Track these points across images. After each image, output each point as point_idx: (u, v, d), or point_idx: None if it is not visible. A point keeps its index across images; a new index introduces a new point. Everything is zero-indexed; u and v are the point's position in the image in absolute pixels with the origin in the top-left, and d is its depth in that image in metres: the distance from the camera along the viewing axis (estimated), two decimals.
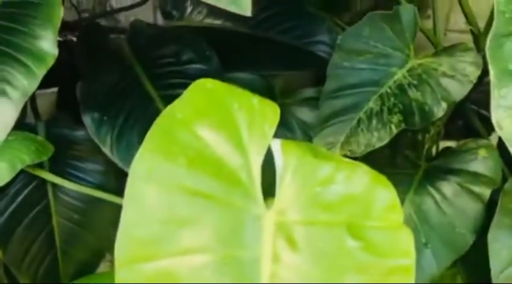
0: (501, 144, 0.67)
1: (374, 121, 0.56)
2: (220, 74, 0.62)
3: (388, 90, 0.58)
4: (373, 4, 0.94)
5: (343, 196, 0.35)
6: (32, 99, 0.72)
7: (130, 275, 0.36)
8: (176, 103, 0.42)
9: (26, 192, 0.69)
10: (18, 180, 0.68)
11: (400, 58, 0.59)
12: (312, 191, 0.36)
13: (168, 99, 0.63)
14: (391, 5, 0.66)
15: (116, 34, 0.78)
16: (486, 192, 0.58)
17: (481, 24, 0.75)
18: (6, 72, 0.47)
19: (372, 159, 0.50)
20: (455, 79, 0.56)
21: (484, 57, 0.60)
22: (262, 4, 0.76)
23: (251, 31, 0.73)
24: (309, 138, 0.66)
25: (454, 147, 0.62)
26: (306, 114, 0.70)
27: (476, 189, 0.58)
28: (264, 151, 0.37)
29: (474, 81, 0.56)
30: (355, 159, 0.54)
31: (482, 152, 0.59)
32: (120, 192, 0.68)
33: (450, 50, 0.58)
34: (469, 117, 0.75)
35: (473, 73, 0.55)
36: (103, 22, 1.06)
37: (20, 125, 0.61)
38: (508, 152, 0.62)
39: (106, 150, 0.60)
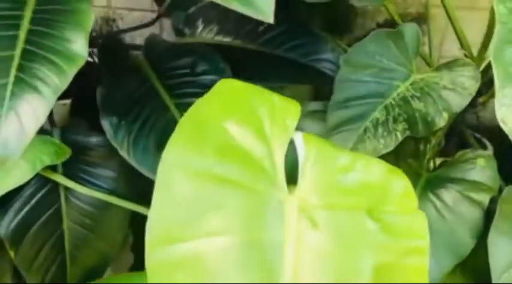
0: (496, 156, 0.71)
1: (380, 130, 0.60)
2: None
3: (393, 102, 0.61)
4: (373, 28, 1.00)
5: (362, 183, 0.38)
6: None
7: (161, 256, 0.38)
8: (203, 99, 0.45)
9: (39, 194, 0.70)
10: (33, 183, 0.70)
11: (403, 72, 0.64)
12: (333, 178, 0.38)
13: (183, 107, 0.68)
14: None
15: (131, 50, 0.82)
16: (485, 199, 0.61)
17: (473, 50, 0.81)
18: (39, 70, 0.49)
19: None
20: (455, 92, 0.60)
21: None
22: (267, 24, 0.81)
23: (260, 48, 0.77)
24: None
25: (454, 157, 0.65)
26: (311, 126, 0.73)
27: (476, 196, 0.61)
28: (286, 143, 0.40)
29: (473, 94, 0.60)
30: None
31: (480, 162, 0.63)
32: (129, 198, 0.71)
33: (450, 65, 0.62)
34: (464, 135, 0.79)
35: (472, 86, 0.59)
36: None
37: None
38: (504, 163, 0.66)
39: (123, 153, 0.62)
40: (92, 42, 0.64)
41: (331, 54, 0.78)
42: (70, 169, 0.71)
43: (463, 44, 0.75)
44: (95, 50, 0.84)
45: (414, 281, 0.36)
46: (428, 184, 0.65)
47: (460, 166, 0.64)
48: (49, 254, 0.72)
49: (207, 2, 0.87)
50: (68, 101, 0.86)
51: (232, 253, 0.38)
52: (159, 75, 0.70)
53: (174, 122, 0.68)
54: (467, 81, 0.60)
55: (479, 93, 0.66)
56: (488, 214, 0.64)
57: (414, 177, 0.66)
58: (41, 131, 0.73)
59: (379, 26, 1.06)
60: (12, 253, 0.67)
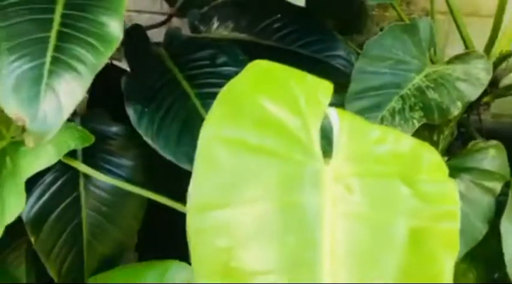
0: None
1: (397, 118, 0.62)
2: None
3: (408, 92, 0.64)
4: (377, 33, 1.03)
5: (394, 153, 0.40)
6: None
7: (201, 221, 0.40)
8: (237, 77, 0.46)
9: (60, 182, 0.71)
10: (54, 170, 0.71)
11: (417, 65, 0.66)
12: (366, 149, 0.40)
13: (203, 96, 0.70)
14: None
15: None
16: (497, 187, 0.63)
17: None
18: (75, 50, 0.51)
19: None
20: (468, 83, 0.63)
21: None
22: (286, 20, 0.83)
23: (275, 44, 0.80)
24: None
25: (466, 148, 0.68)
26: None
27: (488, 184, 0.64)
28: (320, 117, 0.42)
29: (485, 85, 0.62)
30: None
31: (491, 152, 0.65)
32: (147, 187, 0.72)
33: (463, 57, 0.65)
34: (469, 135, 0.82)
35: (485, 78, 0.62)
36: None
37: None
38: None
39: (147, 139, 0.64)
40: None
41: (344, 51, 0.81)
42: (89, 157, 0.72)
43: (469, 48, 0.78)
44: None
45: (446, 245, 0.38)
46: None
47: (472, 156, 0.66)
48: (67, 242, 0.72)
49: (221, 0, 0.90)
50: None
51: (270, 218, 0.40)
52: (180, 66, 0.71)
53: (195, 110, 0.70)
54: (480, 72, 0.63)
55: (482, 93, 0.70)
56: (499, 203, 0.67)
57: None
58: None
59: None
60: (33, 240, 0.68)
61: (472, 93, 0.62)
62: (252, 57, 0.75)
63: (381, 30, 1.11)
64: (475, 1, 1.03)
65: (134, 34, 0.72)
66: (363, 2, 0.93)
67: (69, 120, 0.74)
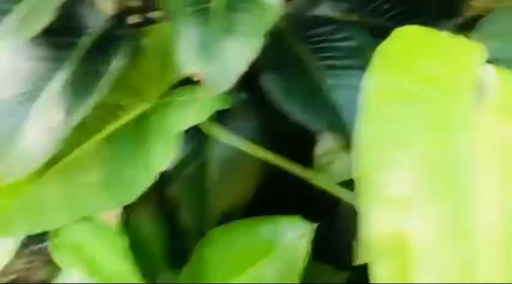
0: None
1: None
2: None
3: None
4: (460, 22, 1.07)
5: None
6: None
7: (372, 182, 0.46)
8: (389, 40, 0.53)
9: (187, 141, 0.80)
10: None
11: None
12: None
13: (325, 68, 0.76)
14: None
15: None
16: None
17: None
18: (242, 17, 0.59)
19: None
20: None
21: None
22: (391, 3, 0.90)
23: (385, 23, 0.86)
24: None
25: None
26: None
27: None
28: (475, 70, 0.48)
29: None
30: None
31: None
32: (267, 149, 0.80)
33: None
34: None
35: None
36: None
37: None
38: None
39: (277, 103, 0.71)
40: None
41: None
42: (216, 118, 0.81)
43: None
44: None
45: None
46: None
47: None
48: (192, 201, 0.82)
49: None
50: None
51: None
52: (300, 41, 0.79)
53: (316, 82, 0.77)
54: None
55: None
56: None
57: None
58: None
59: (465, 20, 1.14)
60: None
61: None
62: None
63: (464, 20, 1.16)
64: None
65: None
66: None
67: None
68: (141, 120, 0.74)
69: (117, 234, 0.86)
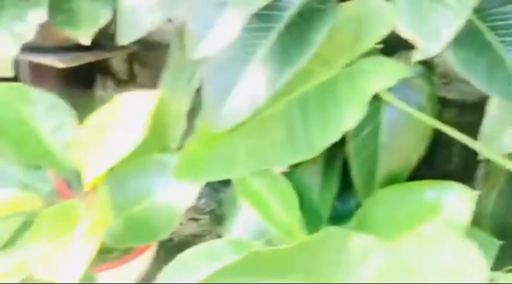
0: None
1: None
2: None
3: None
4: None
5: None
6: None
7: None
8: None
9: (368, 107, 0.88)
10: None
11: None
12: None
13: (506, 44, 0.81)
14: None
15: None
16: None
17: None
18: None
19: None
20: None
21: None
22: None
23: None
24: None
25: None
26: None
27: None
28: None
29: None
30: None
31: None
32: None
33: None
34: None
35: None
36: None
37: None
38: None
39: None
40: None
41: None
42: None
43: None
44: None
45: None
46: None
47: None
48: (364, 161, 0.90)
49: None
50: None
51: None
52: (482, 18, 0.84)
53: (498, 55, 0.82)
54: None
55: None
56: None
57: None
58: None
59: None
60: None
61: None
62: None
63: None
64: None
65: None
66: None
67: None
68: (330, 85, 0.83)
69: (289, 187, 0.97)
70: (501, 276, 0.75)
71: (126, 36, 0.96)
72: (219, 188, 1.49)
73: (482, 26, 0.83)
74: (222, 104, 0.81)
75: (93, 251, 0.87)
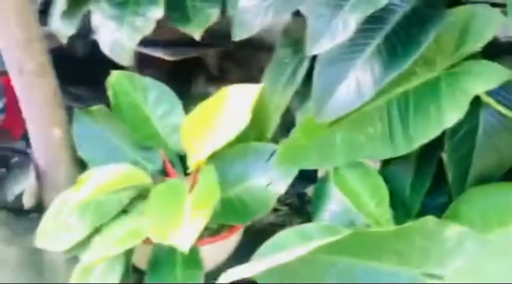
0: None
1: None
2: None
3: None
4: None
5: None
6: None
7: None
8: None
9: None
10: None
11: None
12: None
13: None
14: None
15: None
16: None
17: None
18: None
19: None
20: None
21: None
22: None
23: None
24: None
25: None
26: None
27: None
28: None
29: None
30: None
31: None
32: None
33: None
34: None
35: None
36: None
37: None
38: None
39: None
40: None
41: None
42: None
43: None
44: None
45: None
46: None
47: None
48: (458, 160, 0.94)
49: None
50: None
51: None
52: None
53: None
54: None
55: None
56: None
57: None
58: None
59: None
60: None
61: None
62: None
63: None
64: None
65: None
66: None
67: None
68: (433, 85, 0.88)
69: (380, 180, 1.03)
70: None
71: (239, 34, 1.06)
72: (299, 183, 1.57)
73: None
74: (329, 97, 0.88)
75: (202, 225, 0.97)
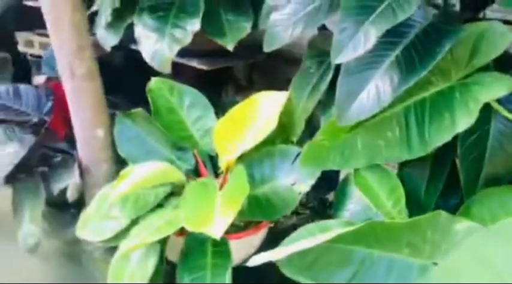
0: None
1: None
2: None
3: None
4: None
5: None
6: None
7: None
8: None
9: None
10: None
11: None
12: None
13: None
14: None
15: None
16: None
17: None
18: None
19: None
20: None
21: None
22: None
23: None
24: None
25: None
26: None
27: None
28: None
29: None
30: None
31: None
32: None
33: None
34: None
35: None
36: None
37: None
38: None
39: None
40: None
41: None
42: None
43: None
44: None
45: None
46: None
47: None
48: (471, 163, 1.02)
49: None
50: None
51: None
52: None
53: None
54: None
55: None
56: None
57: None
58: None
59: None
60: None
61: None
62: None
63: None
64: None
65: None
66: None
67: None
68: (447, 94, 0.96)
69: (398, 182, 1.11)
70: None
71: (270, 45, 1.17)
72: (321, 189, 1.65)
73: None
74: (351, 103, 0.97)
75: (232, 217, 1.06)
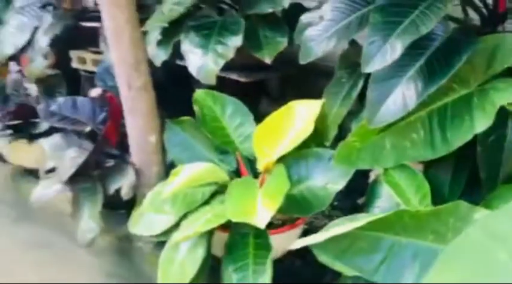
0: None
1: None
2: None
3: None
4: None
5: None
6: None
7: None
8: None
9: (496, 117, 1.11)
10: None
11: None
12: None
13: None
14: None
15: None
16: None
17: None
18: None
19: None
20: None
21: None
22: None
23: None
24: None
25: None
26: None
27: None
28: None
29: None
30: None
31: None
32: None
33: None
34: None
35: None
36: None
37: None
38: None
39: None
40: None
41: None
42: None
43: None
44: None
45: None
46: None
47: None
48: (490, 162, 1.12)
49: None
50: None
51: None
52: None
53: None
54: None
55: None
56: None
57: None
58: None
59: None
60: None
61: None
62: None
63: None
64: None
65: None
66: None
67: None
68: (466, 99, 1.08)
69: (423, 180, 1.22)
70: None
71: (305, 58, 1.30)
72: (352, 195, 1.75)
73: None
74: (380, 106, 1.09)
75: (274, 209, 1.19)
